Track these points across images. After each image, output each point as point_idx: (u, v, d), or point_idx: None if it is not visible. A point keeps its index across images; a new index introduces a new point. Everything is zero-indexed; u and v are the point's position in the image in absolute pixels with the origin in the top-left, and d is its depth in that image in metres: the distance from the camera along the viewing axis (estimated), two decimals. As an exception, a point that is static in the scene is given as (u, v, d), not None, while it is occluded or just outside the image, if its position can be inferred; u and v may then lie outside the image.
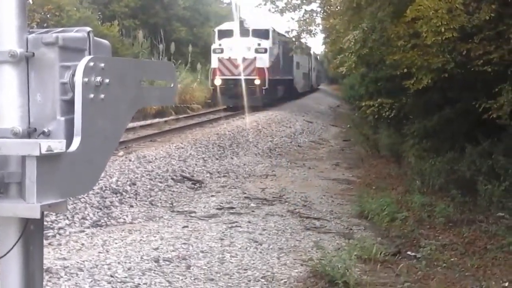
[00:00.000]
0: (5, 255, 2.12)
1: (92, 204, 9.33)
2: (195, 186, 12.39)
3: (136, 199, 10.45)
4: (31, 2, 25.09)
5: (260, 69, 30.50)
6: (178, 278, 6.53)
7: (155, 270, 6.67)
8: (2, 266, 2.17)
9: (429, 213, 10.73)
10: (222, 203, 10.67)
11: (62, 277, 6.15)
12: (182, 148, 15.81)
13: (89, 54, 2.15)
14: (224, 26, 33.48)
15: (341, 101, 45.67)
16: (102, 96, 2.07)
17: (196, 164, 14.51)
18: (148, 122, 22.18)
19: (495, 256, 8.50)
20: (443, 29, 9.55)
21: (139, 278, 6.36)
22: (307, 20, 22.07)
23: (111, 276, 6.34)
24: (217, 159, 15.94)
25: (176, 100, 26.38)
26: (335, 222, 10.07)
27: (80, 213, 8.84)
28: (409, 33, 11.20)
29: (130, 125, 17.68)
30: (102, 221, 8.87)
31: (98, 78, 2.05)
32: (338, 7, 16.63)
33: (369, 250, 8.03)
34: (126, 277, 6.36)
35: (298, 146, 21.32)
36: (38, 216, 1.95)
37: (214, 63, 31.06)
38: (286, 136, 22.77)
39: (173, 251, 7.44)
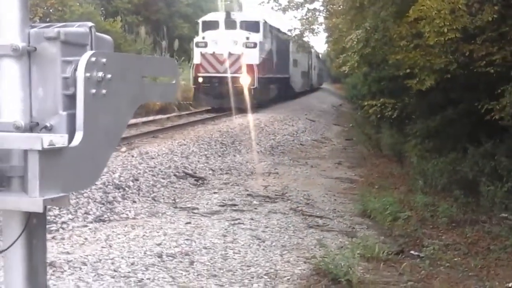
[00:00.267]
0: (7, 248, 2.14)
1: (95, 199, 9.36)
2: (198, 183, 12.40)
3: (138, 194, 10.47)
4: (33, -4, 25.16)
5: (249, 66, 27.29)
6: (181, 273, 6.55)
7: (158, 266, 6.69)
8: (6, 259, 2.19)
9: (432, 213, 10.73)
10: (224, 200, 10.68)
11: (65, 271, 6.17)
12: (185, 144, 15.82)
13: (91, 49, 2.15)
14: (209, 16, 30.30)
15: (343, 100, 45.45)
16: (104, 91, 2.08)
17: (198, 161, 14.52)
18: (151, 118, 22.21)
19: (498, 256, 8.50)
20: (445, 30, 9.54)
21: (143, 273, 6.38)
22: (310, 19, 22.07)
23: (115, 271, 6.36)
24: (219, 156, 15.95)
25: (179, 96, 26.47)
26: (337, 221, 10.07)
27: (83, 208, 8.86)
28: (412, 33, 11.20)
29: (133, 121, 17.73)
30: (105, 216, 8.89)
31: (100, 73, 2.05)
32: (341, 6, 16.62)
33: (372, 248, 8.03)
34: (129, 272, 6.38)
35: (301, 144, 21.30)
36: (40, 210, 1.96)
37: (197, 58, 28.01)
38: (289, 135, 22.74)
39: (176, 247, 7.45)
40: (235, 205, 10.40)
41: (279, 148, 19.54)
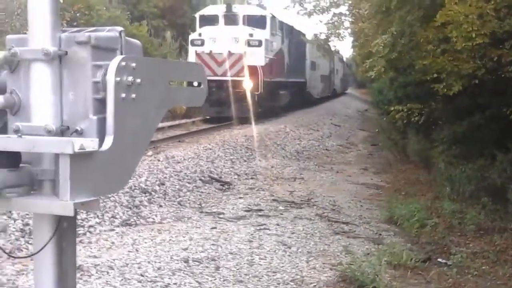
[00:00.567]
0: (38, 251, 2.15)
1: (121, 203, 9.41)
2: (223, 188, 12.42)
3: (165, 199, 10.51)
4: (61, 1, 25.22)
5: (252, 68, 23.46)
6: (208, 279, 6.55)
7: (184, 271, 6.70)
8: (36, 262, 2.20)
9: (460, 220, 10.60)
10: (250, 205, 10.67)
11: (93, 275, 6.21)
12: (210, 149, 15.86)
13: (121, 53, 2.16)
14: (208, 10, 26.58)
15: (369, 105, 45.14)
16: (134, 95, 2.09)
17: (224, 166, 14.54)
18: (176, 122, 22.29)
19: (527, 265, 8.37)
20: (473, 35, 9.42)
21: (169, 278, 6.39)
22: (336, 23, 21.98)
23: (141, 275, 6.38)
24: (245, 161, 15.95)
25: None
26: (364, 227, 10.00)
27: (110, 212, 8.91)
28: (439, 38, 11.08)
29: (159, 125, 17.79)
30: (132, 220, 8.93)
31: (130, 78, 2.06)
32: (367, 11, 16.52)
33: (399, 256, 7.95)
34: (156, 277, 6.39)
35: (326, 149, 21.23)
36: (71, 213, 1.97)
37: (191, 58, 24.12)
38: (314, 140, 22.69)
39: (202, 252, 7.46)
40: (260, 210, 10.38)
41: (304, 153, 19.50)
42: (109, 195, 9.04)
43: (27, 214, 7.33)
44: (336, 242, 8.76)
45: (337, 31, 23.55)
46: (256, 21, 25.25)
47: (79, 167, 1.94)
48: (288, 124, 24.22)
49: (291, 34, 31.01)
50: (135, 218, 9.06)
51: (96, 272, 6.28)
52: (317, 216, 10.29)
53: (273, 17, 26.62)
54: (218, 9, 25.79)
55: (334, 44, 29.81)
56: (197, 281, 6.41)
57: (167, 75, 2.31)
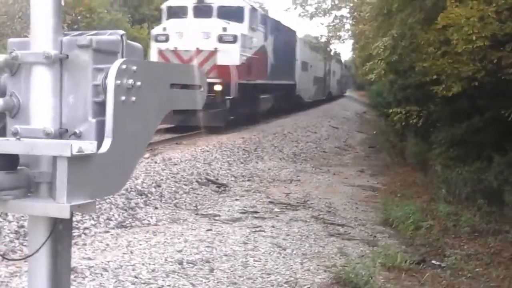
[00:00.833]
0: (33, 254, 2.15)
1: (117, 205, 9.40)
2: (220, 190, 12.41)
3: (161, 201, 10.50)
4: (62, 4, 25.22)
5: (223, 68, 20.32)
6: (202, 281, 6.54)
7: (178, 273, 6.69)
8: (31, 264, 2.20)
9: (455, 222, 10.62)
10: (246, 207, 10.67)
11: (87, 276, 6.20)
12: (207, 151, 15.85)
13: (122, 57, 2.17)
14: (177, 0, 22.68)
15: (367, 108, 45.14)
16: (134, 98, 2.10)
17: (221, 168, 14.54)
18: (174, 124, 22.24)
19: (521, 267, 8.39)
20: (474, 37, 9.45)
21: (163, 280, 6.39)
22: (337, 25, 22.01)
23: (135, 277, 6.37)
24: (242, 163, 15.96)
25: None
26: (359, 229, 10.01)
27: (105, 214, 8.90)
28: (440, 40, 11.11)
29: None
30: (127, 222, 8.92)
31: (130, 81, 2.07)
32: (368, 13, 16.55)
33: (393, 258, 7.97)
34: (150, 279, 6.39)
35: (323, 151, 21.25)
36: (67, 216, 1.97)
37: (153, 56, 20.80)
38: (311, 142, 22.70)
39: (197, 253, 7.45)
40: (256, 212, 10.38)
41: (301, 155, 19.51)
42: (106, 197, 9.04)
43: (22, 216, 7.33)
44: (331, 244, 8.77)
45: (338, 33, 23.61)
46: (232, 13, 21.47)
47: (76, 170, 1.95)
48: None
49: (277, 31, 27.59)
50: (130, 220, 9.05)
51: (90, 274, 6.27)
52: (312, 218, 10.30)
53: (253, 9, 22.94)
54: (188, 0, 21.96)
55: (335, 47, 29.34)
56: (191, 283, 6.41)
57: (168, 78, 2.32)
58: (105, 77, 2.05)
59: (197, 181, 12.50)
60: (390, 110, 16.62)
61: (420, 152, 16.88)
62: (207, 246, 7.82)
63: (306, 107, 36.06)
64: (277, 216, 10.23)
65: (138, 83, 2.10)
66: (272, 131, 22.53)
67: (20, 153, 2.01)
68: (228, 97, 20.40)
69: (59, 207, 1.96)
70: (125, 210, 9.39)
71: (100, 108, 2.08)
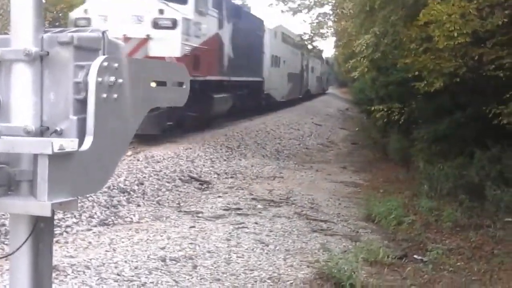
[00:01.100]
0: (14, 252, 2.14)
1: (99, 203, 9.36)
2: (203, 187, 12.40)
3: (143, 198, 10.47)
4: (44, 1, 25.03)
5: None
6: (185, 277, 6.54)
7: (161, 270, 6.68)
8: (12, 263, 2.19)
9: (436, 217, 10.71)
10: (229, 204, 10.67)
11: (69, 274, 6.17)
12: (190, 148, 15.81)
13: (104, 54, 2.16)
14: None
15: (350, 104, 45.22)
16: (115, 96, 2.09)
17: (203, 165, 14.52)
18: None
19: (502, 261, 8.47)
20: (455, 34, 9.53)
21: (146, 277, 6.37)
22: (320, 23, 22.01)
23: (118, 275, 6.35)
24: (225, 160, 15.94)
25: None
26: (342, 225, 10.06)
27: (87, 212, 8.86)
28: (421, 37, 11.18)
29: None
30: (109, 220, 8.88)
31: (112, 78, 2.06)
32: (351, 10, 16.59)
33: (376, 253, 8.01)
34: (133, 276, 6.37)
35: (306, 148, 21.31)
36: (49, 214, 1.96)
37: None
38: (294, 139, 22.75)
39: (180, 250, 7.44)
40: (239, 209, 10.38)
41: (284, 152, 19.54)
42: (88, 195, 9.00)
43: (3, 215, 7.27)
44: (313, 240, 8.79)
45: (321, 30, 23.62)
46: None
47: (57, 168, 1.94)
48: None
49: (238, 18, 23.19)
50: (113, 217, 9.01)
51: (72, 272, 6.24)
52: (295, 215, 10.32)
53: None
54: None
55: (317, 44, 28.55)
56: (174, 280, 6.40)
57: (150, 76, 2.31)
58: (86, 74, 2.04)
59: (180, 179, 12.48)
60: (372, 108, 16.71)
61: (402, 148, 17.00)
62: (190, 243, 7.81)
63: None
64: (260, 212, 10.24)
65: (120, 81, 2.09)
66: (255, 128, 22.54)
67: (1, 151, 1.99)
68: None
69: (40, 205, 1.95)
70: (108, 208, 9.35)
71: (81, 105, 2.07)
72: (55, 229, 7.59)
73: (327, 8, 22.75)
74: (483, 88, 12.14)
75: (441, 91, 11.90)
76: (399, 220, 10.28)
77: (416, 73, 12.00)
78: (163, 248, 7.47)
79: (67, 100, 2.09)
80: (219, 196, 11.44)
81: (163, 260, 7.00)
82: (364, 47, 12.67)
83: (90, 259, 6.73)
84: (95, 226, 8.46)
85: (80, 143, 2.02)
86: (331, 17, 22.95)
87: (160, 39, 16.10)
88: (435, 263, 8.15)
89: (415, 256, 8.54)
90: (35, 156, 1.97)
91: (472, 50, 10.55)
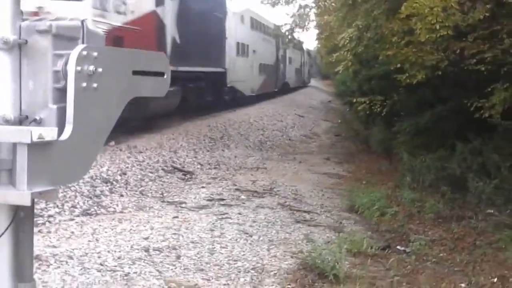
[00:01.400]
0: (-6, 242, 2.13)
1: (82, 193, 9.32)
2: (186, 177, 12.38)
3: (126, 188, 10.44)
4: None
5: None
6: (168, 267, 6.53)
7: (145, 260, 6.67)
8: (-9, 252, 2.17)
9: (419, 208, 10.77)
10: (212, 195, 10.67)
11: (51, 264, 6.14)
12: (173, 139, 15.79)
13: (83, 43, 2.14)
14: None
15: (332, 96, 45.26)
16: (95, 85, 2.08)
17: (187, 156, 14.50)
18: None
19: (484, 252, 8.54)
20: (437, 27, 9.58)
21: (129, 267, 6.36)
22: (303, 16, 21.93)
23: (101, 265, 6.34)
24: (208, 150, 15.94)
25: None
26: (325, 216, 10.10)
27: (70, 202, 8.82)
28: (404, 30, 11.22)
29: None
30: (92, 210, 8.85)
31: (91, 67, 2.05)
32: (333, 4, 16.60)
33: (359, 243, 8.05)
34: (116, 266, 6.36)
35: (289, 139, 21.34)
36: (28, 203, 1.95)
37: None
38: (277, 130, 22.78)
39: (163, 241, 7.44)
40: (222, 199, 10.39)
41: (267, 143, 19.56)
42: (69, 185, 8.95)
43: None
44: (297, 230, 8.82)
45: (302, 23, 23.50)
46: None
47: (37, 157, 1.93)
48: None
49: None
50: (95, 207, 8.98)
51: (55, 262, 6.22)
52: (279, 205, 10.35)
53: None
54: None
55: (298, 35, 27.49)
56: (157, 270, 6.40)
57: (130, 65, 2.30)
58: (66, 63, 2.03)
59: (163, 169, 12.46)
60: (354, 100, 16.76)
61: (385, 140, 17.09)
62: (173, 233, 7.81)
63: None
64: (243, 203, 10.26)
65: (100, 70, 2.08)
66: (238, 119, 22.53)
67: (-21, 140, 1.98)
68: None
69: (20, 194, 1.94)
70: (90, 197, 9.32)
71: (61, 94, 2.06)
72: (37, 219, 7.58)
73: (309, 0, 22.65)
74: (465, 81, 12.22)
75: (423, 84, 11.97)
76: (382, 211, 10.34)
77: (398, 65, 12.05)
78: (146, 238, 7.46)
79: (46, 89, 2.07)
80: (203, 187, 11.44)
81: (147, 250, 7.00)
82: (347, 40, 12.69)
83: (73, 249, 6.71)
84: (78, 216, 8.42)
85: (60, 132, 2.01)
86: (313, 10, 22.83)
87: (60, 13, 9.11)
88: (418, 254, 8.21)
89: (398, 247, 8.59)
90: (14, 145, 1.96)
91: (453, 44, 10.62)
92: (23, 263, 2.20)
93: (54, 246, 6.79)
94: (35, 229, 7.07)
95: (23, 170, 1.92)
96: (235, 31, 25.91)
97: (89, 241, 7.16)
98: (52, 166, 2.01)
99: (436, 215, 10.39)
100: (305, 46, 57.96)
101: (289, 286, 6.41)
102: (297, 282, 6.54)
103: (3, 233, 2.10)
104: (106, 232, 7.64)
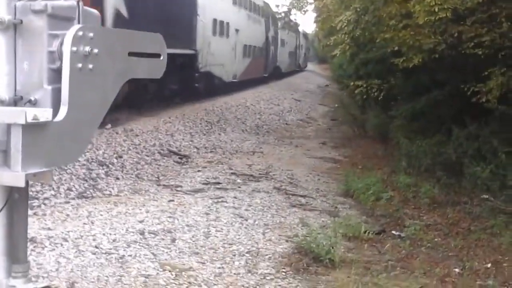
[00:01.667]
0: (-12, 223, 2.12)
1: (78, 176, 9.31)
2: (182, 161, 12.38)
3: (122, 171, 10.43)
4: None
5: None
6: (163, 250, 6.55)
7: (140, 243, 6.68)
8: (-15, 234, 2.17)
9: (414, 193, 10.79)
10: (208, 178, 10.67)
11: (46, 246, 6.15)
12: (170, 122, 15.77)
13: (79, 23, 2.12)
14: None
15: (329, 81, 45.17)
16: (91, 66, 2.06)
17: (183, 139, 14.49)
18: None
19: (478, 237, 8.58)
20: (436, 9, 9.52)
21: (124, 250, 6.37)
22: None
23: (96, 247, 6.35)
24: (204, 134, 15.93)
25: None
26: (320, 200, 10.11)
27: (65, 184, 8.81)
28: (401, 13, 11.17)
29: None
30: (88, 192, 8.85)
31: (87, 48, 2.03)
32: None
33: (354, 228, 8.07)
34: (111, 249, 6.37)
35: (286, 124, 21.33)
36: (22, 184, 1.94)
37: None
38: (274, 114, 22.76)
39: (158, 224, 7.45)
40: (218, 183, 10.40)
41: (264, 127, 19.54)
42: (65, 167, 8.94)
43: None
44: (292, 214, 8.84)
45: (299, 4, 23.31)
46: None
47: (31, 138, 1.92)
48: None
49: None
50: (91, 190, 8.98)
51: (50, 244, 6.22)
52: (274, 189, 10.36)
53: None
54: None
55: (295, 17, 26.67)
56: (152, 253, 6.41)
57: (127, 46, 2.28)
58: (61, 44, 2.01)
59: (159, 152, 12.45)
60: (351, 83, 16.72)
61: (381, 124, 17.07)
62: (169, 217, 7.82)
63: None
64: (239, 187, 10.26)
65: (95, 51, 2.06)
66: (235, 103, 22.49)
67: (-27, 121, 1.96)
68: None
69: (14, 176, 1.93)
70: (86, 180, 9.31)
71: (56, 75, 2.04)
72: (32, 202, 7.58)
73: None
74: (462, 65, 12.18)
75: (419, 68, 11.93)
76: (377, 196, 10.34)
77: (396, 48, 12.01)
78: (141, 221, 7.47)
79: (41, 70, 2.06)
80: (199, 170, 11.44)
81: (142, 233, 7.01)
82: (345, 23, 12.63)
83: (68, 232, 6.71)
84: (73, 198, 8.42)
85: (55, 113, 1.99)
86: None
87: None
88: (412, 239, 8.23)
89: (393, 231, 8.61)
90: (9, 126, 1.94)
91: (451, 27, 10.58)
92: (17, 244, 2.20)
93: (49, 229, 6.80)
94: (30, 212, 7.07)
95: (17, 151, 1.90)
96: (210, 6, 21.99)
97: (84, 223, 7.17)
98: (46, 147, 1.99)
99: (431, 200, 10.41)
100: (301, 29, 55.59)
101: (283, 269, 6.43)
102: (292, 266, 6.56)
103: (-3, 215, 2.09)
104: (101, 215, 7.64)
